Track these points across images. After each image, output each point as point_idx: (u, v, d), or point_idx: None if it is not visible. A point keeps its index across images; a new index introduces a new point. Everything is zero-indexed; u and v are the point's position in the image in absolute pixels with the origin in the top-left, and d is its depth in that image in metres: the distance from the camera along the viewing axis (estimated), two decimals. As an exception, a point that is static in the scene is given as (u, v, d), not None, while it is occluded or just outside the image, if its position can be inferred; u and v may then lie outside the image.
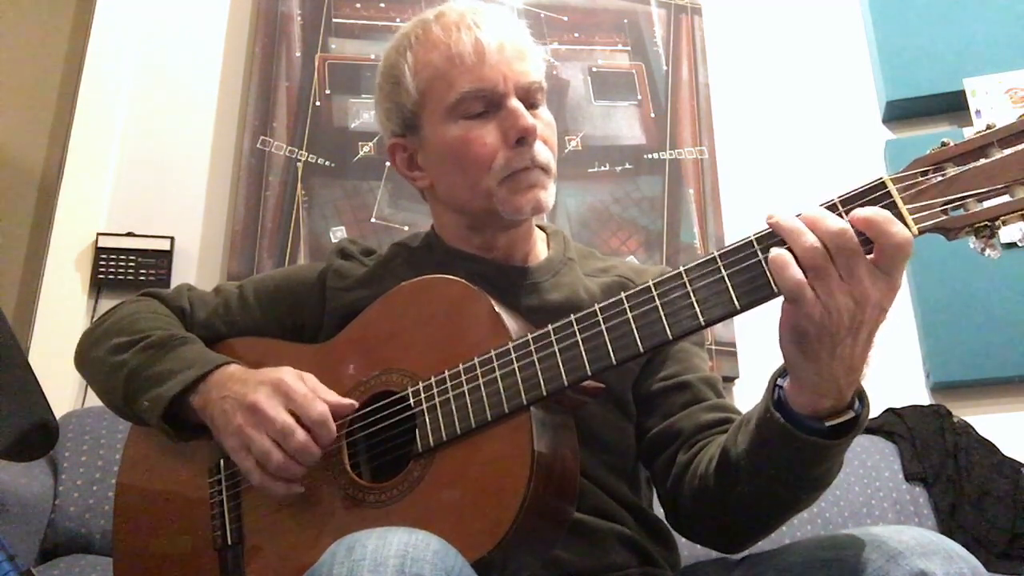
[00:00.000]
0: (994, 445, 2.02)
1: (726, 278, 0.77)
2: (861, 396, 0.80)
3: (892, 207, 0.72)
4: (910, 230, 0.71)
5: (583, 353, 0.83)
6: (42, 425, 0.95)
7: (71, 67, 2.43)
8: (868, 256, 0.72)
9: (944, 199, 0.72)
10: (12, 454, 0.95)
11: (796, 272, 0.72)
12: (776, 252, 0.73)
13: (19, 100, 2.49)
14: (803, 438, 0.78)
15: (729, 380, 2.20)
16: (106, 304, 2.08)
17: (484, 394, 0.86)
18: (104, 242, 2.15)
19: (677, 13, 2.56)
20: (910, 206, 0.72)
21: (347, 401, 0.93)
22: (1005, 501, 1.91)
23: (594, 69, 2.49)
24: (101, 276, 2.12)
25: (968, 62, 2.39)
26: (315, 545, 0.87)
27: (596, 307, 0.84)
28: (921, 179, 0.73)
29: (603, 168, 2.39)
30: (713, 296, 0.78)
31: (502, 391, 0.85)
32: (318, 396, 0.92)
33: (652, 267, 1.21)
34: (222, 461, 1.02)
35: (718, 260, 0.78)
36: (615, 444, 1.05)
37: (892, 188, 0.73)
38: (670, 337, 0.80)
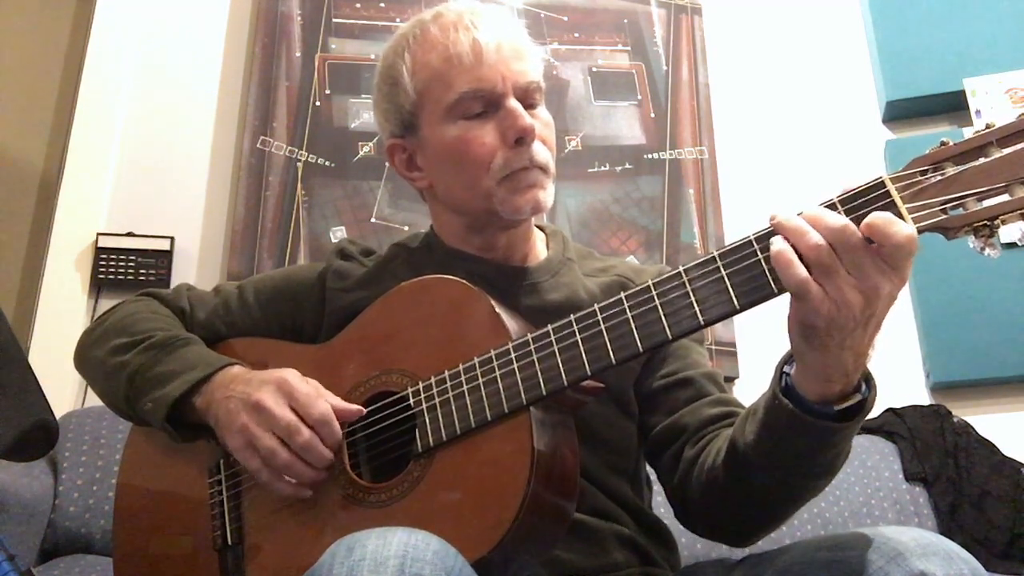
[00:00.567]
0: (994, 445, 2.02)
1: (726, 278, 0.77)
2: (868, 379, 0.80)
3: (891, 206, 0.72)
4: (910, 230, 0.72)
5: (583, 353, 0.83)
6: (42, 425, 0.95)
7: (71, 67, 2.43)
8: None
9: (943, 198, 0.72)
10: (12, 454, 0.95)
11: (800, 269, 0.72)
12: (777, 249, 0.73)
13: (19, 100, 2.49)
14: (812, 422, 0.79)
15: (729, 380, 2.20)
16: (106, 304, 2.08)
17: (484, 394, 0.86)
18: (104, 242, 2.15)
19: (677, 13, 2.56)
20: (909, 205, 0.72)
21: (355, 407, 0.93)
22: (1005, 501, 1.91)
23: (594, 69, 2.49)
24: (101, 276, 2.12)
25: (968, 62, 2.39)
26: (315, 545, 0.86)
27: (596, 307, 0.84)
28: (920, 178, 0.73)
29: (603, 168, 2.39)
30: (713, 296, 0.78)
31: (502, 391, 0.85)
32: (321, 396, 0.92)
33: (651, 267, 1.21)
34: (222, 461, 1.02)
35: (717, 260, 0.78)
36: (616, 443, 1.05)
37: (891, 187, 0.73)
38: (670, 337, 0.80)
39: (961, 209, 0.72)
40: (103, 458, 1.72)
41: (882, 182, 0.73)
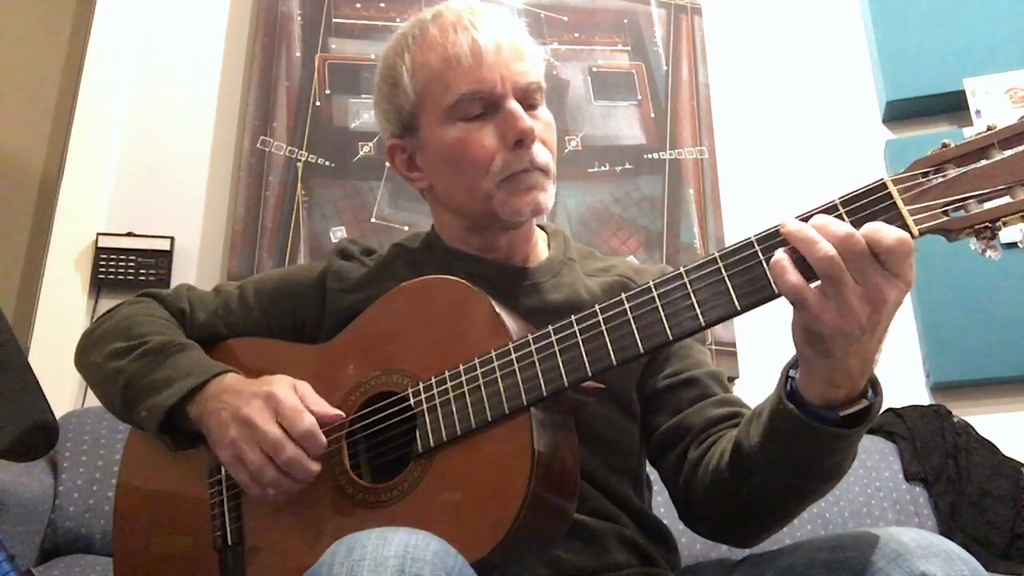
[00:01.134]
0: (994, 445, 2.02)
1: (726, 279, 0.77)
2: (874, 384, 0.80)
3: (892, 208, 0.72)
4: (911, 231, 0.71)
5: (583, 354, 0.83)
6: (42, 425, 0.95)
7: (71, 67, 2.42)
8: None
9: (945, 200, 0.72)
10: (12, 454, 0.95)
11: (794, 276, 0.72)
12: (776, 258, 0.73)
13: (19, 100, 2.49)
14: (817, 428, 0.78)
15: (729, 380, 2.19)
16: (106, 304, 2.08)
17: (484, 394, 0.86)
18: (104, 242, 2.15)
19: (677, 13, 2.56)
20: (911, 207, 0.72)
21: (334, 412, 0.93)
22: (1005, 501, 1.91)
23: (594, 69, 2.49)
24: (101, 276, 2.12)
25: (968, 62, 2.39)
26: (315, 545, 0.87)
27: (596, 307, 0.84)
28: (922, 180, 0.73)
29: (603, 168, 2.39)
30: (713, 297, 0.78)
31: (502, 391, 0.85)
32: (306, 408, 0.91)
33: (652, 266, 1.21)
34: (222, 462, 1.02)
35: (718, 261, 0.78)
36: (616, 443, 1.04)
37: (893, 189, 0.73)
38: (670, 338, 0.80)
39: (963, 211, 0.72)
40: (103, 458, 1.72)
41: (884, 184, 0.73)
